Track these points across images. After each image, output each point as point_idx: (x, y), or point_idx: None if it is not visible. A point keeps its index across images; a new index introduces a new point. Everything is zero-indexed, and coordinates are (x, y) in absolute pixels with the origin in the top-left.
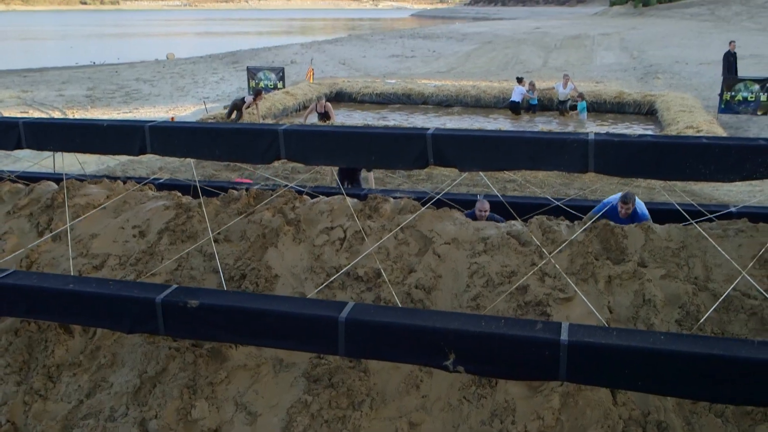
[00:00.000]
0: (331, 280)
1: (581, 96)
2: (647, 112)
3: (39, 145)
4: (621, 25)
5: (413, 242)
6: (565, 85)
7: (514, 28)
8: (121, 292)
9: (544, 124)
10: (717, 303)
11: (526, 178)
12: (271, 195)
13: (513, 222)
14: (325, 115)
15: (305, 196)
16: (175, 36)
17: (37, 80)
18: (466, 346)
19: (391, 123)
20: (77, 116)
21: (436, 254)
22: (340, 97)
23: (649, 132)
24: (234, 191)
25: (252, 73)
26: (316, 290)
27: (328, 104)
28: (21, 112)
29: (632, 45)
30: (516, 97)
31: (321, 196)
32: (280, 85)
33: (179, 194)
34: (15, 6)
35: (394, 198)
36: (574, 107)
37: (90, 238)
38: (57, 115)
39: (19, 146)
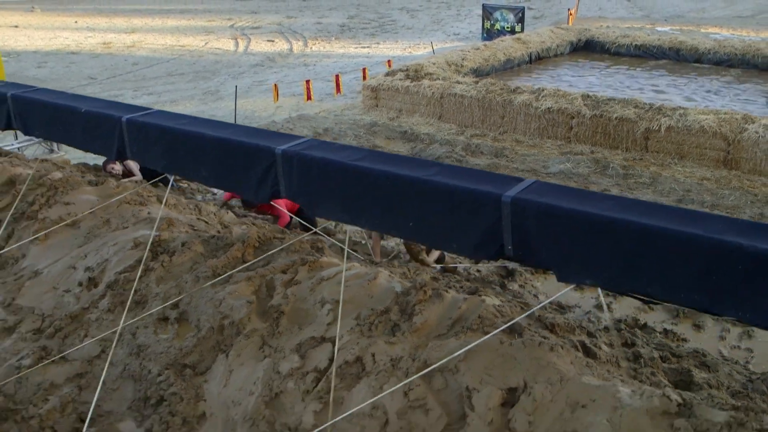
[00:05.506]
0: None
1: None
2: None
3: (26, 129)
4: None
5: (435, 410)
6: None
7: None
8: None
9: None
10: None
11: None
12: (282, 243)
13: None
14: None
15: (325, 260)
16: None
17: (309, 5)
18: None
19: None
20: (314, 49)
21: None
22: (590, 47)
23: None
24: (233, 230)
25: (488, 12)
26: None
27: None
28: (267, 41)
29: None
30: None
31: (354, 264)
32: (518, 28)
33: (173, 219)
34: None
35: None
36: None
37: (29, 277)
38: (298, 45)
39: (9, 126)
